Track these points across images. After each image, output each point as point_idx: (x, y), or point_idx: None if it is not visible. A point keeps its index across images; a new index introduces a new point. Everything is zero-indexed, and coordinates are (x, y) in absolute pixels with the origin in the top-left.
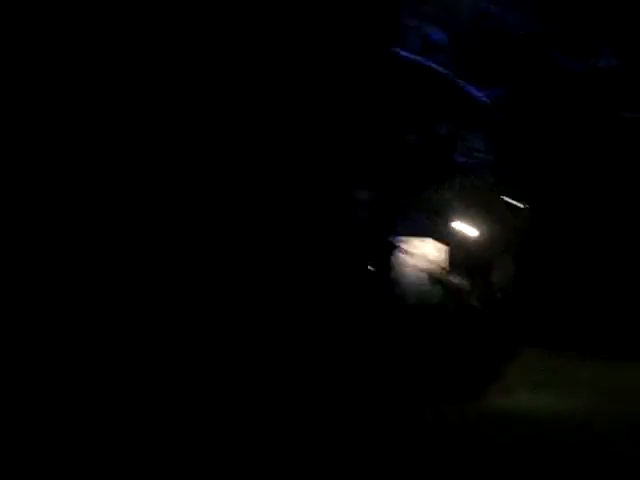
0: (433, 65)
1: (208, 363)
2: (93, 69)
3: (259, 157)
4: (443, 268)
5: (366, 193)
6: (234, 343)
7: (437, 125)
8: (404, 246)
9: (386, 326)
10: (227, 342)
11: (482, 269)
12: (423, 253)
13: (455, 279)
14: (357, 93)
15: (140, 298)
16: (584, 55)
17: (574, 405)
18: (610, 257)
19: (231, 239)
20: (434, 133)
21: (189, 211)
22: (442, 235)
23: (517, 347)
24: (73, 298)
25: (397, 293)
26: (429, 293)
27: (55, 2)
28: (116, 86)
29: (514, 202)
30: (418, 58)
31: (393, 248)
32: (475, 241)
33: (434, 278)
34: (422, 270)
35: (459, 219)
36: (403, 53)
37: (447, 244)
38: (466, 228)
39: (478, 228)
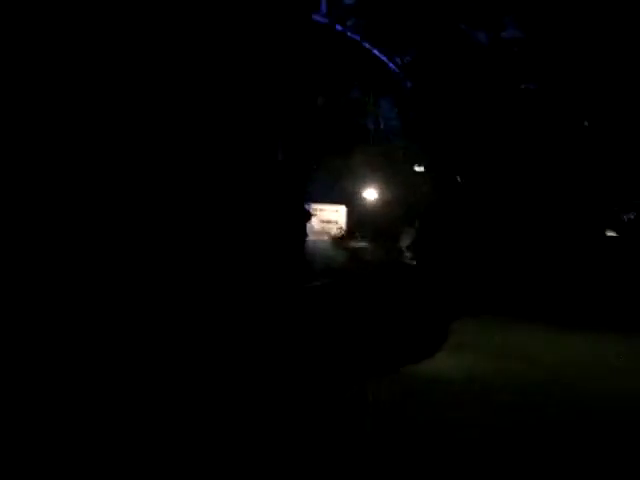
0: (342, 29)
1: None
2: (93, 69)
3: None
4: (348, 232)
5: (281, 154)
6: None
7: (347, 90)
8: (316, 212)
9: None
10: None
11: (387, 233)
12: (331, 219)
13: (360, 243)
14: (270, 56)
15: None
16: (489, 26)
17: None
18: (511, 224)
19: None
20: (344, 98)
21: (185, 210)
22: (349, 200)
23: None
24: (73, 298)
25: (308, 260)
26: (334, 258)
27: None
28: (116, 86)
29: (421, 168)
30: (328, 22)
31: (306, 215)
32: (381, 206)
33: (339, 243)
34: (329, 236)
35: (366, 185)
36: (315, 17)
37: (353, 209)
38: (373, 193)
39: (385, 194)
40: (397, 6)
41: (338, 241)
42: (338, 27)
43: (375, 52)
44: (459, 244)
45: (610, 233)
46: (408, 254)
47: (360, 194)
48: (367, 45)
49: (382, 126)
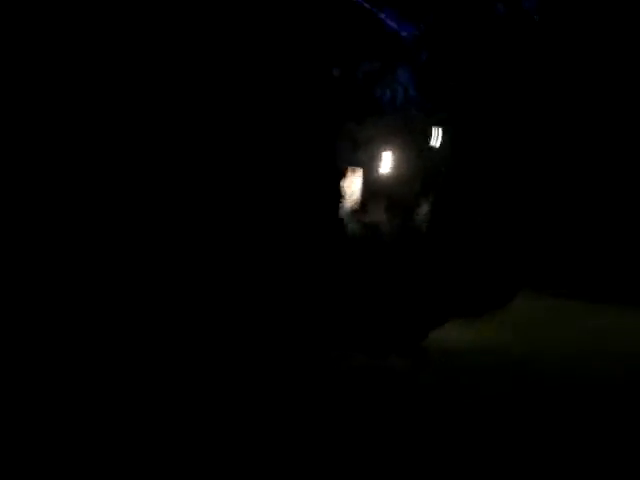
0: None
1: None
2: (93, 69)
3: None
4: (362, 204)
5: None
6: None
7: (361, 60)
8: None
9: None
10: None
11: (403, 205)
12: (349, 186)
13: (373, 215)
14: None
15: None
16: None
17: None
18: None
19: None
20: (359, 68)
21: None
22: (365, 170)
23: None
24: (73, 298)
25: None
26: (349, 230)
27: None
28: (116, 86)
29: (438, 140)
30: None
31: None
32: (396, 177)
33: (353, 214)
34: (347, 205)
35: (382, 155)
36: None
37: (368, 180)
38: (388, 165)
39: (401, 165)
40: None
41: (353, 213)
42: None
43: (390, 22)
44: (479, 215)
45: None
46: (424, 225)
47: (375, 165)
48: (383, 15)
49: (399, 96)
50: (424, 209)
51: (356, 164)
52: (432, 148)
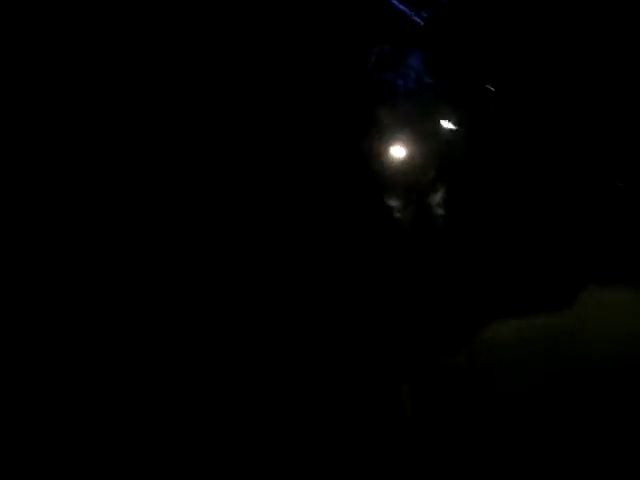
0: None
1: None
2: (93, 69)
3: None
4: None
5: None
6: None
7: (374, 45)
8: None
9: None
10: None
11: (417, 191)
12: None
13: (391, 201)
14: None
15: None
16: None
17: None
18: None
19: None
20: (372, 53)
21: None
22: (377, 157)
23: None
24: (73, 299)
25: None
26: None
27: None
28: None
29: (452, 126)
30: None
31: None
32: (410, 163)
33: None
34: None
35: (395, 141)
36: None
37: (379, 166)
38: (402, 150)
39: (414, 150)
40: None
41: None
42: None
43: (401, 7)
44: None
45: None
46: (440, 213)
47: (389, 151)
48: (394, 1)
49: (411, 81)
50: (440, 196)
51: (368, 151)
52: (446, 133)
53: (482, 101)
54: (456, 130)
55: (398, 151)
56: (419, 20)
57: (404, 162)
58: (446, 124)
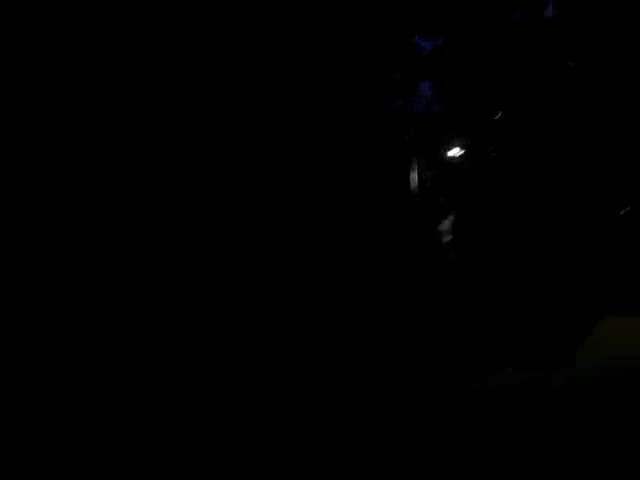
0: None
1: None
2: (93, 69)
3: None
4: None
5: None
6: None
7: (388, 72)
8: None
9: None
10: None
11: (426, 217)
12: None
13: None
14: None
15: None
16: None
17: None
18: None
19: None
20: (387, 80)
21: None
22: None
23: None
24: (73, 299)
25: None
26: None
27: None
28: (116, 86)
29: (461, 152)
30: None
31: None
32: (419, 189)
33: None
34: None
35: (403, 168)
36: None
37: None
38: (409, 177)
39: (422, 178)
40: None
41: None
42: None
43: (408, 34)
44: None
45: None
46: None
47: (400, 177)
48: (400, 27)
49: (420, 108)
50: (449, 222)
51: (376, 178)
52: (453, 160)
53: (490, 127)
54: (464, 156)
55: (408, 177)
56: (428, 48)
57: (413, 188)
58: (454, 150)
